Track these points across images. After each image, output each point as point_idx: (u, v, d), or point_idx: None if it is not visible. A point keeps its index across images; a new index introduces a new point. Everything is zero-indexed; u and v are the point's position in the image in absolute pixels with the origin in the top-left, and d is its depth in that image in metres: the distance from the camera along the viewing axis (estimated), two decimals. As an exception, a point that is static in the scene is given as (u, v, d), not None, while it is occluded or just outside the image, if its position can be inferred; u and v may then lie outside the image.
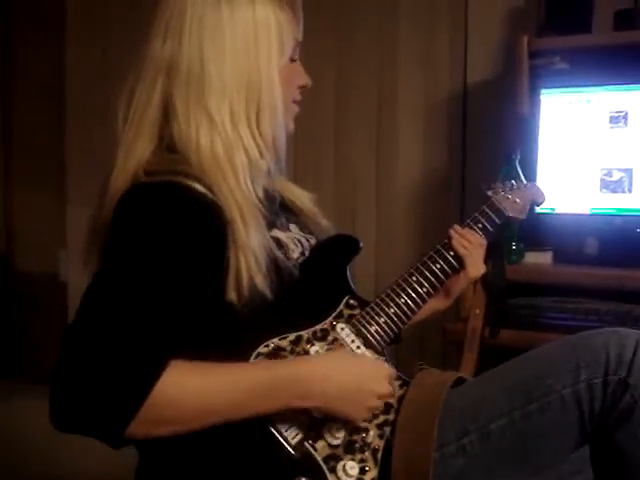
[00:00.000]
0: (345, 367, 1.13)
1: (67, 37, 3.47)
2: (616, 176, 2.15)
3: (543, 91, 2.25)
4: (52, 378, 0.97)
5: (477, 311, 1.67)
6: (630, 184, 2.13)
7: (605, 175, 2.17)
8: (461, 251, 1.36)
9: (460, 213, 2.69)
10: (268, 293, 1.11)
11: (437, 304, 1.43)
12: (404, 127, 2.80)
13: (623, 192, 2.14)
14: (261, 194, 1.20)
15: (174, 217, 1.08)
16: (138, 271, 1.04)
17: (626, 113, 2.15)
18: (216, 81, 1.16)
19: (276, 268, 1.14)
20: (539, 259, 2.19)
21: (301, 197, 1.38)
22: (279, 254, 1.17)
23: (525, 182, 1.57)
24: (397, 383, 1.21)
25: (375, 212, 2.87)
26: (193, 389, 1.02)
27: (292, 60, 1.26)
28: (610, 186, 2.16)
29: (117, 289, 1.03)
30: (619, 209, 2.15)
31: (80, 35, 3.45)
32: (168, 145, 1.17)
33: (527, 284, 2.11)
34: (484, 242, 1.40)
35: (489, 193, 1.46)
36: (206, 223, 1.10)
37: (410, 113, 2.79)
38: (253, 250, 1.10)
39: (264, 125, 1.19)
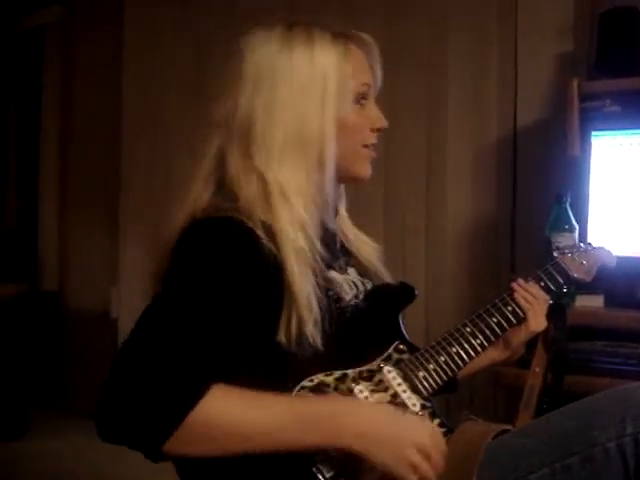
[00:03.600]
0: (384, 413, 1.12)
1: (124, 77, 3.58)
2: (668, 219, 2.12)
3: (594, 133, 2.24)
4: (102, 389, 1.01)
5: (537, 369, 1.65)
6: (683, 227, 2.11)
7: (657, 218, 2.14)
8: (523, 304, 1.37)
9: (510, 257, 2.68)
10: (318, 340, 1.12)
11: (495, 355, 1.43)
12: (453, 170, 2.81)
13: (676, 235, 2.11)
14: (318, 239, 1.21)
15: (230, 250, 1.12)
16: (192, 298, 1.07)
17: (677, 156, 2.13)
18: (263, 133, 1.19)
19: (328, 308, 1.16)
20: (590, 302, 2.16)
21: (366, 248, 1.39)
22: (332, 294, 1.19)
23: (595, 245, 1.58)
24: (441, 431, 1.20)
25: (424, 256, 2.86)
26: (230, 414, 1.04)
27: (364, 101, 1.27)
28: (662, 229, 2.13)
29: (171, 313, 1.06)
30: (671, 252, 2.12)
31: (137, 75, 3.55)
32: (227, 191, 1.21)
33: (578, 327, 2.08)
34: (547, 298, 1.41)
35: (556, 254, 1.48)
36: (258, 259, 1.12)
37: (460, 155, 2.80)
38: (306, 297, 1.12)
39: (311, 174, 1.21)
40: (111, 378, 1.01)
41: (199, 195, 1.21)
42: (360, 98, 1.27)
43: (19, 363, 3.41)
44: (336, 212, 1.35)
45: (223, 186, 1.21)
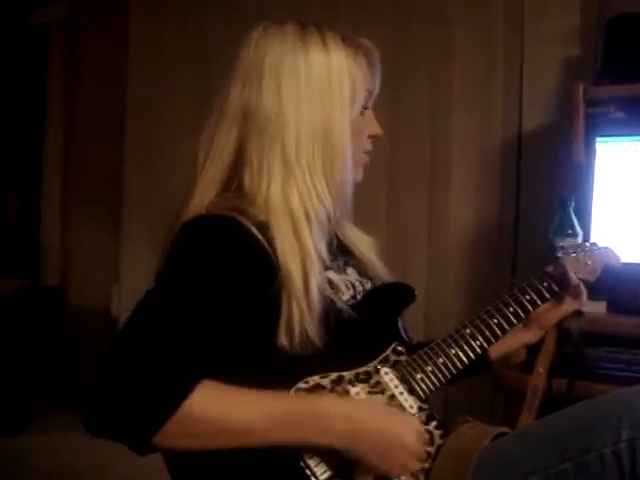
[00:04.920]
0: (368, 411, 1.13)
1: (129, 74, 3.57)
2: (672, 226, 2.12)
3: (599, 139, 2.23)
4: (90, 381, 1.01)
5: (540, 370, 1.64)
6: (686, 234, 2.10)
7: (660, 225, 2.14)
8: (573, 278, 1.41)
9: (513, 260, 2.67)
10: (318, 341, 1.13)
11: (527, 336, 1.45)
12: (458, 173, 2.80)
13: (679, 242, 2.11)
14: (320, 240, 1.21)
15: (223, 248, 1.12)
16: (184, 293, 1.08)
17: (682, 162, 2.13)
18: (293, 129, 1.19)
19: (325, 309, 1.16)
20: (593, 308, 2.16)
21: (362, 242, 1.40)
22: (329, 295, 1.19)
23: (599, 245, 1.57)
24: (438, 433, 1.20)
25: (427, 258, 2.86)
26: (218, 410, 1.04)
27: (364, 109, 1.28)
28: (665, 236, 2.13)
29: (162, 308, 1.07)
30: (675, 259, 2.11)
31: (142, 73, 3.54)
32: (237, 189, 1.21)
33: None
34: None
35: (559, 254, 1.47)
36: (254, 262, 1.13)
37: (464, 159, 2.79)
38: (309, 300, 1.13)
39: (336, 175, 1.22)
40: (100, 371, 1.02)
41: (205, 192, 1.21)
42: (366, 103, 1.29)
43: (19, 358, 3.41)
44: None
45: (239, 184, 1.21)
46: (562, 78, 2.60)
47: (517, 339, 1.40)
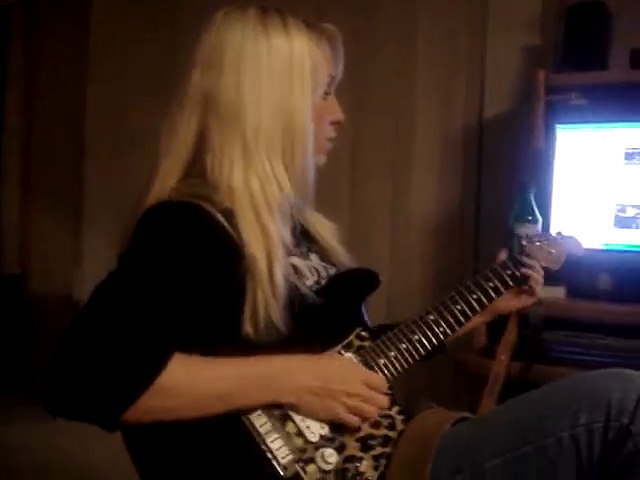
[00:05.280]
0: (309, 364, 1.15)
1: (90, 60, 3.53)
2: (630, 212, 2.15)
3: (559, 126, 2.26)
4: (51, 361, 1.00)
5: (502, 357, 1.66)
6: (644, 221, 2.14)
7: (619, 211, 2.17)
8: (530, 272, 1.43)
9: (475, 246, 2.70)
10: (283, 328, 1.13)
11: (480, 319, 1.46)
12: (420, 159, 2.82)
13: (637, 228, 2.14)
14: (284, 226, 1.21)
15: (188, 232, 1.12)
16: (150, 272, 1.08)
17: (641, 150, 2.16)
18: (252, 115, 1.18)
19: (290, 295, 1.16)
20: (552, 293, 2.18)
21: (324, 228, 1.40)
22: (293, 280, 1.19)
23: (564, 234, 1.59)
24: (400, 418, 1.21)
25: (389, 243, 2.87)
26: (188, 382, 1.05)
27: (326, 94, 1.28)
28: (624, 222, 2.16)
29: (129, 285, 1.07)
30: (632, 245, 2.15)
31: (102, 64, 3.50)
32: (199, 174, 1.20)
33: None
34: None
35: (524, 242, 1.49)
36: (218, 247, 1.13)
37: (426, 145, 2.81)
38: (274, 287, 1.13)
39: (297, 160, 1.21)
40: (62, 347, 1.01)
41: (166, 178, 1.20)
42: (328, 89, 1.28)
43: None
44: None
45: (201, 170, 1.20)
46: (524, 65, 2.62)
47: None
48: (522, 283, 1.43)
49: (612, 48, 2.33)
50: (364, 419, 1.16)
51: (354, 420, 1.15)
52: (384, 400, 1.18)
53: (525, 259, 1.44)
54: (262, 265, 1.13)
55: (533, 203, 2.08)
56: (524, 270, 1.43)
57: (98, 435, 1.08)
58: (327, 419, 1.14)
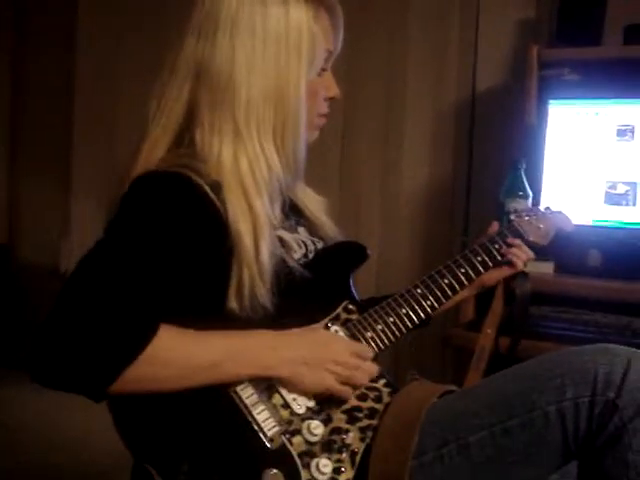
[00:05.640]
0: (297, 337, 1.15)
1: (79, 29, 3.49)
2: (621, 189, 2.15)
3: (551, 102, 2.25)
4: (39, 330, 0.99)
5: (489, 331, 1.67)
6: (634, 197, 2.14)
7: (610, 188, 2.17)
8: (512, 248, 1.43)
9: (464, 221, 2.69)
10: (269, 305, 1.12)
11: (465, 293, 1.45)
12: (411, 133, 2.81)
13: (627, 205, 2.14)
14: (273, 200, 1.20)
15: (175, 203, 1.10)
16: (136, 241, 1.06)
17: (633, 127, 2.15)
18: (244, 90, 1.15)
19: (277, 269, 1.15)
20: (540, 269, 2.19)
21: (313, 202, 1.38)
22: (280, 254, 1.18)
23: (553, 209, 1.59)
24: (387, 390, 1.21)
25: (379, 218, 2.87)
26: (176, 352, 1.05)
27: (323, 70, 1.25)
28: (614, 199, 2.16)
29: (115, 254, 1.05)
30: (622, 222, 2.15)
31: (93, 27, 3.46)
32: (188, 145, 1.18)
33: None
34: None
35: (512, 217, 1.49)
36: (205, 218, 1.11)
37: (417, 120, 2.80)
38: (260, 265, 1.12)
39: (287, 139, 1.19)
40: (50, 318, 0.99)
41: (154, 148, 1.18)
42: (325, 64, 1.25)
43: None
44: None
45: (190, 142, 1.18)
46: (517, 39, 2.60)
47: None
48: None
49: (606, 24, 2.32)
50: (355, 388, 1.16)
51: (345, 390, 1.15)
52: (373, 367, 1.19)
53: (509, 234, 1.44)
54: (248, 243, 1.11)
55: (524, 178, 2.09)
56: (511, 242, 1.43)
57: (85, 406, 1.08)
58: (318, 391, 1.14)
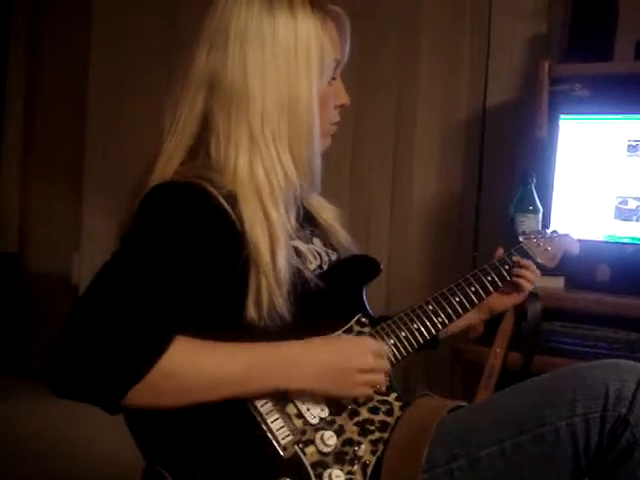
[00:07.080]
0: (323, 351, 1.15)
1: (93, 36, 3.51)
2: (631, 205, 2.15)
3: (562, 117, 2.25)
4: (56, 341, 0.99)
5: (498, 350, 1.68)
6: (645, 213, 2.14)
7: (620, 203, 2.17)
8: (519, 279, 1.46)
9: (474, 236, 2.69)
10: (287, 314, 1.13)
11: (474, 317, 1.49)
12: (421, 148, 2.81)
13: (637, 221, 2.14)
14: (288, 210, 1.21)
15: (191, 214, 1.11)
16: (153, 253, 1.07)
17: (644, 142, 2.15)
18: (258, 100, 1.16)
19: (293, 279, 1.15)
20: (551, 284, 2.19)
21: (326, 211, 1.39)
22: (296, 264, 1.18)
23: (560, 232, 1.61)
24: (398, 404, 1.22)
25: (389, 232, 2.87)
26: (191, 366, 1.05)
27: (332, 79, 1.26)
28: (625, 214, 2.16)
29: (132, 267, 1.06)
30: (633, 237, 2.15)
31: (106, 34, 3.48)
32: (203, 157, 1.19)
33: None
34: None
35: (521, 238, 1.51)
36: (221, 229, 1.12)
37: (428, 134, 2.80)
38: (277, 274, 1.12)
39: (302, 148, 1.20)
40: (67, 331, 1.00)
41: (170, 159, 1.18)
42: (334, 73, 1.26)
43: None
44: None
45: (206, 153, 1.19)
46: (528, 55, 2.61)
47: (463, 319, 1.40)
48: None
49: (617, 40, 2.32)
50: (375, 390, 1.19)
51: (366, 391, 1.17)
52: (387, 364, 1.20)
53: (518, 256, 1.46)
54: (265, 253, 1.12)
55: (534, 193, 2.09)
56: (520, 262, 1.45)
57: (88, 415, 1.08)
58: (345, 402, 1.16)
